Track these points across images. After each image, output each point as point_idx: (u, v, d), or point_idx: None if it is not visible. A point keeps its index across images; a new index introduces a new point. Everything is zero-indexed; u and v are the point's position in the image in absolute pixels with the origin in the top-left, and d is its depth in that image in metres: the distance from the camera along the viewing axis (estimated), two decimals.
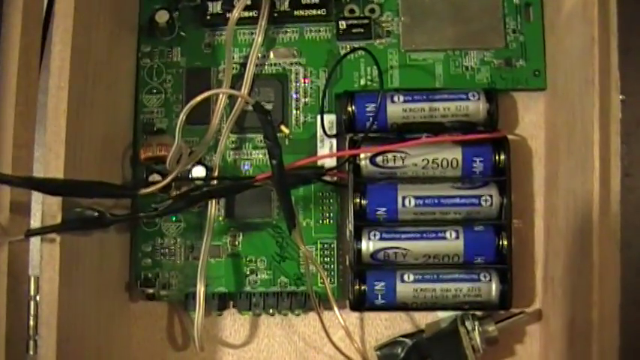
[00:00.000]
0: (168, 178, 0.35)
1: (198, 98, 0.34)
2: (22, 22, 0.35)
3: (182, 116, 0.34)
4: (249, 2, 0.39)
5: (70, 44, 0.34)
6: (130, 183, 0.39)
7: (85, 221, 0.34)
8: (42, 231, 0.33)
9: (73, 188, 0.32)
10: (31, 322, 0.35)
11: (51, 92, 0.34)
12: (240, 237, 0.40)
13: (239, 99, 0.39)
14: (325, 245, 0.39)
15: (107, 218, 0.34)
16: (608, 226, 0.32)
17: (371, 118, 0.38)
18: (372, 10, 0.40)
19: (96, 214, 0.34)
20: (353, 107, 0.39)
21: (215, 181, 0.39)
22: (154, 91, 0.41)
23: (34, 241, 0.35)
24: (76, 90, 0.34)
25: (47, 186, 0.32)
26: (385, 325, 0.40)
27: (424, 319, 0.40)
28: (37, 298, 0.34)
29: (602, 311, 0.32)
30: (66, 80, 0.34)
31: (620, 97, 0.33)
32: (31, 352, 0.35)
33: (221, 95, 0.39)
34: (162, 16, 0.40)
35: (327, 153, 0.39)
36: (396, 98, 0.38)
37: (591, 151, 0.32)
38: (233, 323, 0.40)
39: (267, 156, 0.35)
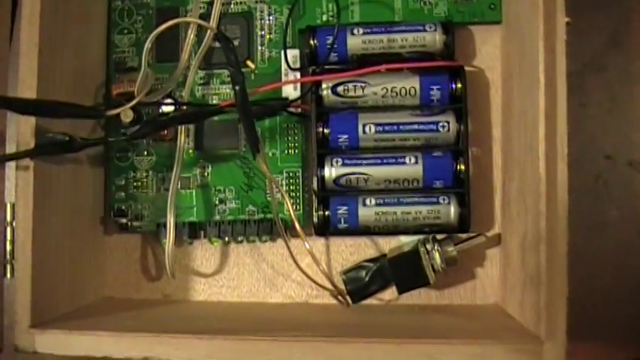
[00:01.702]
0: (136, 99, 0.39)
1: (165, 25, 0.38)
2: None
3: (148, 43, 0.38)
4: None
5: None
6: (100, 104, 0.42)
7: (56, 145, 0.37)
8: (15, 156, 0.36)
9: (44, 107, 0.36)
10: (8, 247, 0.38)
11: (23, 26, 0.38)
12: (209, 168, 0.43)
13: (206, 36, 0.42)
14: (291, 174, 0.43)
15: (78, 142, 0.38)
16: (553, 142, 0.36)
17: (333, 52, 0.41)
18: None
19: (67, 138, 0.37)
20: (315, 41, 0.42)
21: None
22: (125, 31, 0.44)
23: (10, 169, 0.39)
24: (47, 26, 0.38)
25: (18, 104, 0.35)
26: (350, 251, 0.44)
27: (388, 244, 0.43)
28: (14, 224, 0.38)
29: (550, 221, 0.35)
30: (37, 15, 0.37)
31: (566, 19, 0.37)
32: (8, 276, 0.38)
33: (190, 31, 0.43)
34: None
35: (290, 80, 0.42)
36: (355, 31, 0.42)
37: (537, 72, 0.36)
38: (204, 252, 0.44)
39: (231, 83, 0.39)
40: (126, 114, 0.42)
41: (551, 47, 0.36)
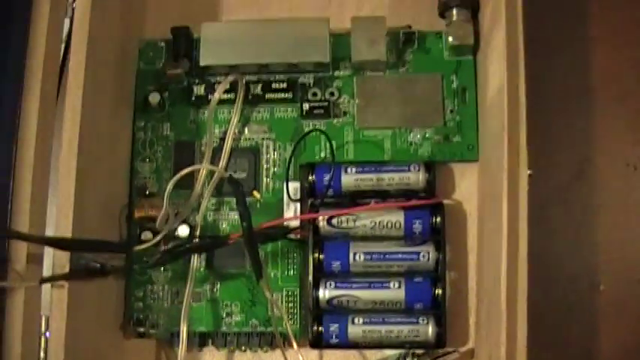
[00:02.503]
0: (158, 237, 0.46)
1: (183, 172, 0.46)
2: (40, 106, 0.47)
3: (170, 186, 0.46)
4: (227, 87, 0.50)
5: (78, 122, 0.45)
6: (126, 240, 0.50)
7: (89, 271, 0.45)
8: (53, 279, 0.44)
9: (80, 245, 0.43)
10: (42, 355, 0.46)
11: (62, 163, 0.45)
12: (218, 285, 0.51)
13: (217, 172, 0.50)
14: (289, 293, 0.50)
15: (107, 269, 0.45)
16: (514, 280, 0.43)
17: (327, 187, 0.49)
18: (332, 94, 0.52)
19: (98, 265, 0.45)
20: (313, 177, 0.50)
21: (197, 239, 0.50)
22: (147, 159, 0.52)
23: (46, 287, 0.46)
24: (82, 159, 0.45)
25: (58, 243, 0.43)
26: None
27: (374, 356, 0.50)
28: (47, 334, 0.45)
29: (510, 349, 0.42)
30: (75, 151, 0.45)
31: (528, 171, 0.44)
32: None
33: (204, 163, 0.50)
34: (154, 97, 0.51)
35: (291, 216, 0.50)
36: (349, 170, 0.49)
37: (500, 219, 0.43)
38: (211, 358, 0.51)
39: (240, 219, 0.46)
40: (146, 235, 0.49)
41: (515, 194, 0.43)
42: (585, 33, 0.54)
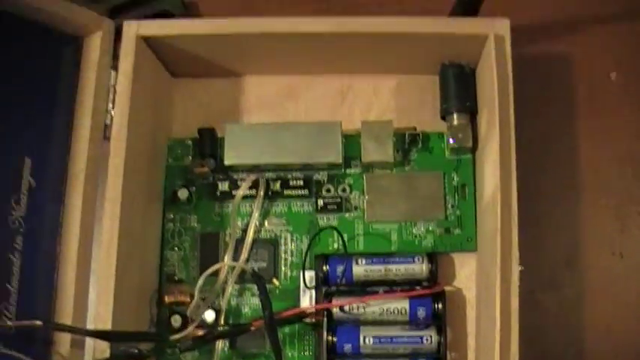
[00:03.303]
0: (190, 328, 0.53)
1: (210, 270, 0.53)
2: (82, 205, 0.54)
3: (200, 281, 0.52)
4: (250, 184, 0.57)
5: (117, 220, 0.52)
6: (160, 330, 0.56)
7: (127, 356, 0.51)
8: None
9: (120, 337, 0.50)
10: None
11: (100, 261, 0.52)
12: None
13: (239, 263, 0.57)
14: None
15: (144, 354, 0.52)
16: None
17: (340, 277, 0.56)
18: (344, 190, 0.59)
19: (135, 351, 0.52)
20: (327, 267, 0.56)
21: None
22: (176, 248, 0.59)
23: None
24: (120, 254, 0.52)
25: (100, 335, 0.49)
26: None
27: None
28: None
29: None
30: (114, 248, 0.52)
31: (520, 268, 0.51)
32: None
33: (227, 254, 0.57)
34: (183, 193, 0.58)
35: (307, 304, 0.56)
36: (359, 261, 0.56)
37: (494, 310, 0.50)
38: None
39: (262, 309, 0.53)
40: (175, 319, 0.56)
41: (507, 288, 0.50)
42: (573, 130, 0.61)
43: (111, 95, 0.56)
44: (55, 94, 0.55)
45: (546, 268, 0.59)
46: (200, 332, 0.55)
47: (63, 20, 0.54)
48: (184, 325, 0.56)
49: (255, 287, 0.57)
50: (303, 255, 0.57)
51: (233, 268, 0.57)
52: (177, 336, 0.53)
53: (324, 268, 0.57)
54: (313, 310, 0.56)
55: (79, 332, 0.51)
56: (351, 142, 0.59)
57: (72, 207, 0.55)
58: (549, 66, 0.62)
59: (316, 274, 0.57)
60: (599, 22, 0.62)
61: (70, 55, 0.56)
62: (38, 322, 0.50)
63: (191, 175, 0.59)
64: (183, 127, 0.61)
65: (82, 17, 0.55)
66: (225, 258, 0.57)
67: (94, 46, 0.56)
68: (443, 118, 0.58)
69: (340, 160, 0.57)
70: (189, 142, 0.60)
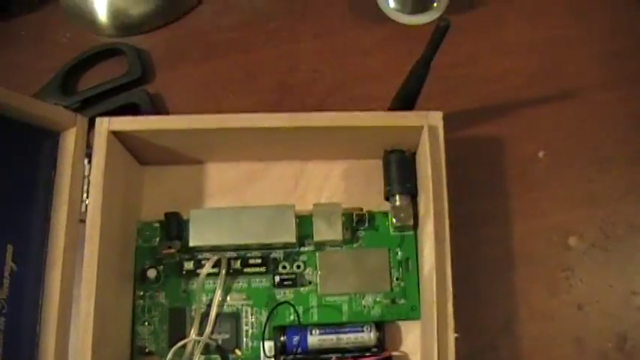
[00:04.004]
0: None
1: (179, 345, 0.59)
2: (61, 286, 0.61)
3: (170, 355, 0.59)
4: (213, 263, 0.64)
5: (93, 299, 0.58)
6: None
7: None
8: None
9: None
10: None
11: (78, 338, 0.58)
12: None
13: (204, 335, 0.63)
14: None
15: None
16: None
17: (297, 346, 0.62)
18: (299, 266, 0.66)
19: None
20: (284, 337, 0.63)
21: None
22: (146, 323, 0.65)
23: None
24: (95, 330, 0.58)
25: None
26: None
27: None
28: None
29: None
30: (90, 326, 0.58)
31: (455, 335, 0.58)
32: None
33: (192, 332, 0.64)
34: (152, 272, 0.65)
35: None
36: (314, 332, 0.63)
37: None
38: None
39: None
40: None
41: (444, 353, 0.57)
42: (505, 207, 0.68)
43: (85, 185, 0.63)
44: (34, 185, 0.62)
45: (484, 334, 0.66)
46: None
47: (40, 118, 0.61)
48: None
49: (219, 359, 0.64)
50: (263, 327, 0.64)
51: (199, 341, 0.63)
52: None
53: (282, 338, 0.63)
54: None
55: None
56: (305, 223, 0.66)
57: (51, 288, 0.61)
58: (483, 148, 0.69)
59: (275, 344, 0.64)
60: (525, 105, 0.71)
61: (48, 149, 0.63)
62: None
63: (159, 256, 0.66)
64: (152, 210, 0.68)
65: (57, 115, 0.63)
66: (192, 332, 0.64)
67: (69, 141, 0.63)
68: (387, 199, 0.66)
69: (294, 240, 0.64)
70: (157, 225, 0.67)
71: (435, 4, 0.75)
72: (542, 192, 0.69)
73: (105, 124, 0.62)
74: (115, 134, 0.63)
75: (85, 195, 0.63)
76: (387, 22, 0.74)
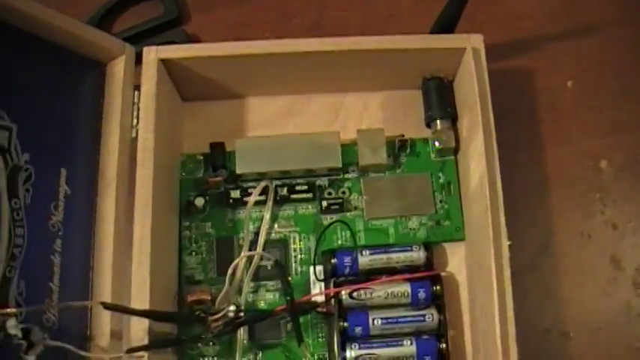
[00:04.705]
0: (224, 310, 0.61)
1: (237, 260, 0.61)
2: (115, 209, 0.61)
3: (230, 270, 0.60)
4: (260, 191, 0.66)
5: (150, 228, 0.59)
6: (197, 315, 0.63)
7: (167, 342, 0.58)
8: (138, 349, 0.57)
9: (165, 316, 0.58)
10: None
11: (135, 258, 0.59)
12: (260, 354, 0.64)
13: (254, 259, 0.65)
14: (321, 356, 0.64)
15: (179, 339, 0.59)
16: (505, 325, 0.58)
17: (348, 268, 0.64)
18: (344, 192, 0.68)
19: (174, 337, 0.58)
20: (334, 259, 0.65)
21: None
22: (193, 253, 0.66)
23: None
24: (151, 255, 0.59)
25: (148, 314, 0.57)
26: None
27: None
28: None
29: None
30: (147, 250, 0.59)
31: (508, 242, 0.60)
32: None
33: (242, 254, 0.65)
34: (199, 201, 0.66)
35: (317, 292, 0.64)
36: (364, 252, 0.65)
37: (490, 283, 0.59)
38: None
39: (284, 295, 0.61)
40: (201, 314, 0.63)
41: (499, 262, 0.59)
42: (538, 135, 0.72)
43: (135, 111, 0.64)
44: (84, 112, 0.63)
45: (524, 255, 0.68)
46: (231, 314, 0.62)
47: (90, 45, 0.63)
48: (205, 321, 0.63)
49: (269, 283, 0.65)
50: (312, 252, 0.66)
51: (249, 265, 0.65)
52: (216, 316, 0.60)
53: (332, 261, 0.65)
54: (329, 293, 0.64)
55: (127, 311, 0.57)
56: (348, 151, 0.68)
57: (105, 212, 0.62)
58: (512, 80, 0.73)
59: (324, 268, 0.65)
60: (550, 39, 0.75)
61: (96, 77, 0.64)
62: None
63: (205, 186, 0.67)
64: (193, 145, 0.70)
65: (107, 42, 0.64)
66: (242, 253, 0.65)
67: (118, 69, 0.64)
68: (428, 125, 0.69)
69: (340, 165, 0.67)
70: (201, 157, 0.68)
71: None
72: (572, 120, 0.72)
73: (153, 53, 0.64)
74: (164, 62, 0.64)
75: (135, 121, 0.64)
76: None
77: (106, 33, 0.64)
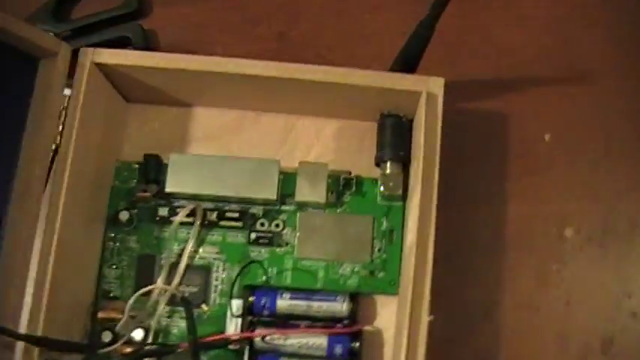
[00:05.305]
0: (119, 342, 0.59)
1: (143, 290, 0.58)
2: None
3: (131, 300, 0.57)
4: (188, 212, 0.62)
5: (57, 234, 0.57)
6: (90, 343, 0.61)
7: None
8: None
9: (51, 343, 0.55)
10: None
11: (39, 267, 0.57)
12: None
13: (172, 285, 0.62)
14: None
15: None
16: None
17: (265, 309, 0.60)
18: (277, 225, 0.64)
19: None
20: (253, 297, 0.61)
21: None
22: (114, 266, 0.64)
23: None
24: (57, 265, 0.57)
25: (33, 341, 0.54)
26: None
27: None
28: None
29: None
30: (51, 259, 0.56)
31: (430, 317, 0.55)
32: None
33: (160, 280, 0.62)
34: (124, 215, 0.63)
35: (233, 332, 0.61)
36: (284, 295, 0.61)
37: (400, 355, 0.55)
38: None
39: (187, 332, 0.58)
40: (105, 335, 0.61)
41: (415, 336, 0.55)
42: (503, 188, 0.66)
43: (62, 118, 0.60)
44: (7, 112, 0.59)
45: (466, 318, 0.64)
46: (128, 349, 0.60)
47: (22, 41, 0.59)
48: (114, 341, 0.61)
49: (182, 312, 0.62)
50: (232, 284, 0.62)
51: (165, 290, 0.62)
52: (105, 350, 0.58)
53: (250, 298, 0.61)
54: (237, 337, 0.61)
55: (13, 335, 0.55)
56: (289, 180, 0.64)
57: (15, 220, 0.59)
58: (485, 122, 0.67)
59: (243, 304, 0.62)
60: (535, 82, 0.68)
61: (26, 75, 0.60)
62: None
63: (134, 198, 0.64)
64: (133, 150, 0.66)
65: (41, 40, 0.60)
66: (159, 280, 0.62)
67: (50, 68, 0.61)
68: (377, 165, 0.64)
69: (275, 197, 0.62)
70: (136, 166, 0.65)
71: None
72: (544, 177, 0.66)
73: (89, 56, 0.60)
74: (99, 67, 0.61)
75: (60, 127, 0.60)
76: None
77: (40, 29, 0.61)
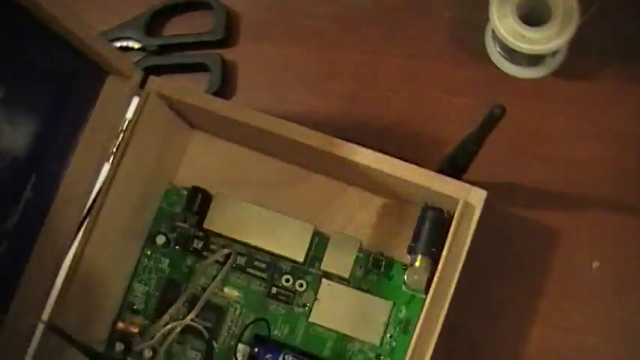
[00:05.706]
0: None
1: (167, 326, 0.62)
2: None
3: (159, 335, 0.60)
4: (219, 257, 0.65)
5: (91, 244, 0.60)
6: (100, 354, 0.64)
7: None
8: None
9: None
10: None
11: (69, 270, 0.60)
12: None
13: (189, 316, 0.64)
14: None
15: None
16: None
17: None
18: (301, 285, 0.65)
19: None
20: (257, 349, 0.63)
21: None
22: (143, 282, 0.67)
23: None
24: (83, 272, 0.60)
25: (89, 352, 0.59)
26: None
27: None
28: None
29: None
30: (82, 264, 0.60)
31: None
32: None
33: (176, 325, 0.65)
34: (160, 239, 0.67)
35: None
36: (287, 357, 0.63)
37: None
38: None
39: None
40: (118, 347, 0.65)
41: None
42: (533, 306, 0.64)
43: (120, 138, 0.63)
44: (70, 119, 0.62)
45: None
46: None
47: (99, 56, 0.61)
48: (125, 353, 0.64)
49: (196, 343, 0.65)
50: (243, 329, 0.65)
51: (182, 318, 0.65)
52: None
53: (256, 349, 0.63)
54: None
55: (69, 339, 0.58)
56: (321, 245, 0.65)
57: (54, 222, 0.63)
58: (533, 235, 0.65)
59: (250, 352, 0.64)
60: (598, 205, 0.65)
61: (92, 90, 0.63)
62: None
63: (175, 224, 0.67)
64: (187, 175, 0.69)
65: (118, 61, 0.62)
66: (179, 307, 0.65)
67: (117, 87, 0.63)
68: (409, 253, 0.63)
69: (302, 260, 0.64)
70: (184, 192, 0.68)
71: (546, 61, 0.69)
72: (580, 306, 0.64)
73: (154, 85, 0.63)
74: (163, 98, 0.63)
75: (114, 148, 0.63)
76: (484, 64, 0.69)
77: (120, 51, 0.63)
